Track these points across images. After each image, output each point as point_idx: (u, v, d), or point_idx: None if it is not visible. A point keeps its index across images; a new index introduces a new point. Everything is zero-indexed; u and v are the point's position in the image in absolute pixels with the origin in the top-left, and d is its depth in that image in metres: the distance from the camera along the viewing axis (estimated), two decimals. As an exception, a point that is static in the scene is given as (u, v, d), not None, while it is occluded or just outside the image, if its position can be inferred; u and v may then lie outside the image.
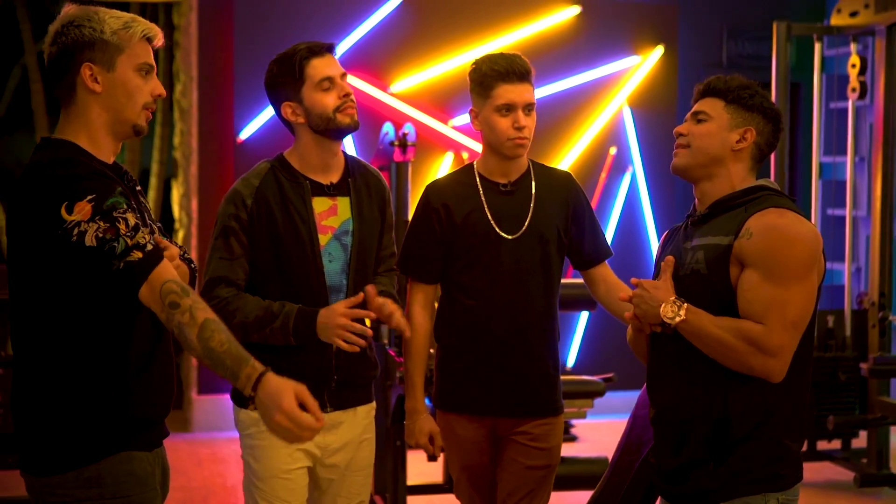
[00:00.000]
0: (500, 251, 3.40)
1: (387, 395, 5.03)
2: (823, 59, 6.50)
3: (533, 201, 3.45)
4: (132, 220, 2.47)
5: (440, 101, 7.82)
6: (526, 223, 3.42)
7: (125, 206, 2.48)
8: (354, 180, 3.30)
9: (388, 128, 5.53)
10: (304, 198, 3.21)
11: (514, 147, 3.39)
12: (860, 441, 6.58)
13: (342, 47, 7.71)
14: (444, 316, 3.51)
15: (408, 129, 5.40)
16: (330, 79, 3.20)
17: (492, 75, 3.37)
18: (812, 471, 6.35)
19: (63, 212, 2.43)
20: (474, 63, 3.44)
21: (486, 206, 3.43)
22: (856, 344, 6.24)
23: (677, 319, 2.73)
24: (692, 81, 8.33)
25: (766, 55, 7.86)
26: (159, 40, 2.66)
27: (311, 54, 3.20)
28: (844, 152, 6.90)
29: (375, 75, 7.80)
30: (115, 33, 2.57)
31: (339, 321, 3.10)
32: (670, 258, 2.87)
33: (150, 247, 2.47)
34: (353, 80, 7.71)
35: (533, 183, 3.47)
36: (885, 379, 6.11)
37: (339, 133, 3.23)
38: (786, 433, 2.77)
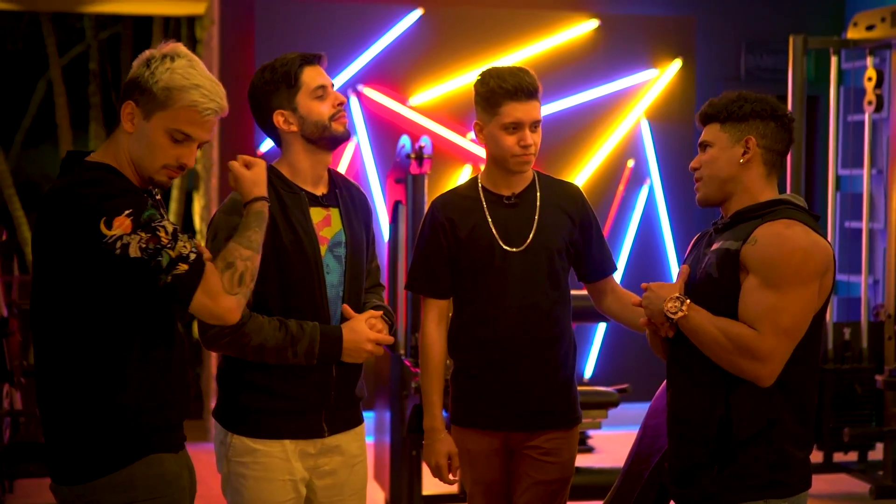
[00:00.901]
0: (505, 265, 3.37)
1: (402, 405, 5.07)
2: (840, 72, 6.52)
3: (538, 213, 3.42)
4: (170, 227, 2.53)
5: (459, 115, 7.88)
6: (531, 236, 3.39)
7: (160, 217, 2.54)
8: (341, 192, 3.22)
9: (404, 140, 5.57)
10: (303, 209, 3.12)
11: (520, 164, 3.37)
12: (876, 453, 6.57)
13: (362, 60, 7.79)
14: (455, 330, 3.48)
15: (424, 141, 5.43)
16: (324, 87, 3.12)
17: (500, 92, 3.33)
18: (828, 482, 6.36)
19: (102, 227, 2.47)
20: (481, 76, 3.39)
21: (489, 219, 3.40)
22: (872, 356, 6.24)
23: (679, 314, 2.78)
24: (710, 94, 8.29)
25: (784, 68, 7.86)
26: (211, 116, 2.64)
27: (304, 62, 3.12)
28: (861, 165, 6.91)
29: (395, 88, 7.86)
30: (168, 90, 2.57)
31: (367, 346, 3.11)
32: (685, 267, 2.92)
33: (192, 255, 2.54)
34: (373, 94, 7.78)
35: (538, 195, 3.44)
36: (902, 391, 6.11)
37: (333, 142, 3.14)
38: (790, 441, 2.79)
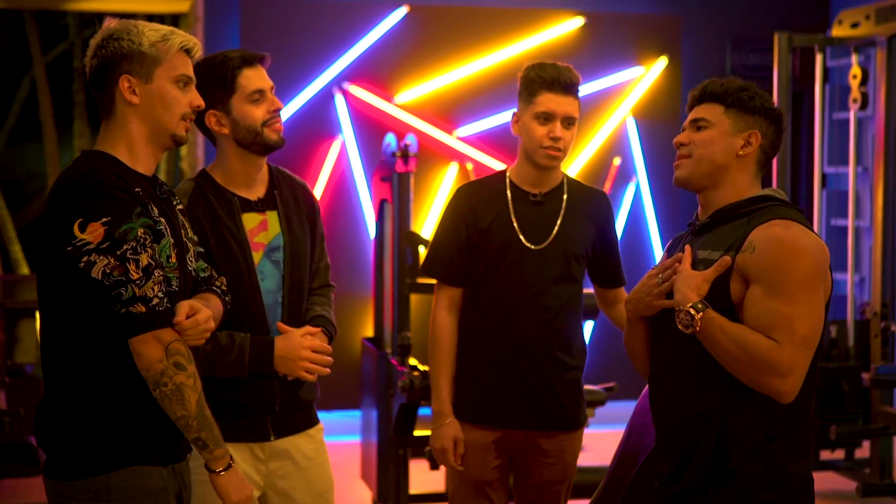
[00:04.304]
0: (521, 260, 3.39)
1: (389, 405, 5.05)
2: (826, 70, 6.52)
3: (562, 215, 3.44)
4: (144, 261, 2.47)
5: (445, 112, 7.86)
6: (552, 235, 3.41)
7: (139, 237, 2.47)
8: (281, 192, 3.15)
9: (390, 138, 5.56)
10: (233, 215, 3.05)
11: (547, 157, 3.39)
12: (863, 451, 6.58)
13: (347, 58, 7.77)
14: (463, 323, 3.47)
15: (410, 139, 5.43)
16: (261, 91, 3.05)
17: (538, 82, 3.40)
18: (815, 480, 6.35)
19: (76, 228, 2.43)
20: (525, 68, 3.47)
21: (512, 213, 3.42)
22: (859, 354, 6.25)
23: (689, 331, 2.57)
24: (696, 92, 8.35)
25: (770, 66, 7.87)
26: (198, 52, 2.67)
27: (244, 63, 3.04)
28: (847, 162, 6.92)
29: (381, 86, 7.84)
30: (153, 45, 2.58)
31: (303, 353, 3.02)
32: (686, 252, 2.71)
33: (155, 301, 2.47)
34: (358, 91, 7.77)
35: (565, 196, 3.47)
36: (888, 389, 6.12)
37: (264, 149, 3.07)
38: (789, 458, 2.63)
